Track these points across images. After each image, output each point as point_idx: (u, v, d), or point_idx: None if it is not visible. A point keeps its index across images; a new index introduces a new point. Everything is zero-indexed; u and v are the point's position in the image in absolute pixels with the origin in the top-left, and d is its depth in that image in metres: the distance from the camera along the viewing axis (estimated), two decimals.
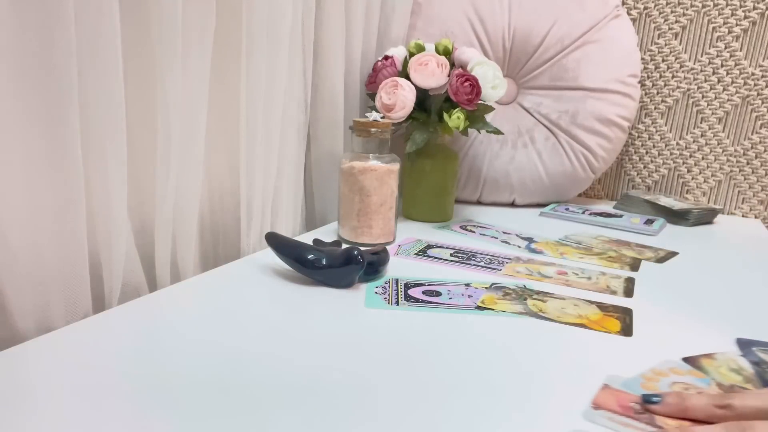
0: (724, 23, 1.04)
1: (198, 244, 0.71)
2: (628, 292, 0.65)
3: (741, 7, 1.02)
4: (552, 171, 1.07)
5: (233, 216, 0.75)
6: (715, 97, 1.07)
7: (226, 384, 0.42)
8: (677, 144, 1.12)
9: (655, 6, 1.08)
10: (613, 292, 0.64)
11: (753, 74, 1.04)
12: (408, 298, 0.61)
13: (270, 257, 0.67)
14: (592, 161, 1.07)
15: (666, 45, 1.09)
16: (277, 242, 0.66)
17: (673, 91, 1.10)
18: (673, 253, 0.83)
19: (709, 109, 1.08)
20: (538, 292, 0.63)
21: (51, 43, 0.46)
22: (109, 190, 0.54)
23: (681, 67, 1.09)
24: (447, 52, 0.91)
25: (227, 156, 0.73)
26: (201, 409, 0.39)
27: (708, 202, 1.13)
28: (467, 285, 0.66)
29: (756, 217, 1.13)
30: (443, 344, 0.51)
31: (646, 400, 0.42)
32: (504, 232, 0.88)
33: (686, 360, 0.49)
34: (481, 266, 0.72)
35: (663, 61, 1.10)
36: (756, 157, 1.07)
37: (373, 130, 0.77)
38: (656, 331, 0.55)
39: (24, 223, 0.48)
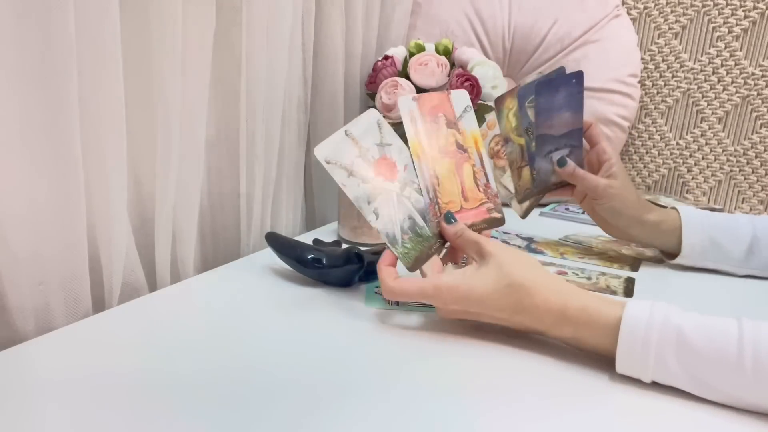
0: (724, 23, 1.04)
1: (198, 244, 0.71)
2: (628, 292, 0.65)
3: (741, 7, 1.02)
4: None
5: (233, 216, 0.75)
6: (715, 97, 1.07)
7: (225, 383, 0.42)
8: (677, 144, 1.12)
9: (655, 6, 1.08)
10: (613, 292, 0.64)
11: (753, 74, 1.03)
12: None
13: (270, 257, 0.67)
14: None
15: (666, 45, 1.09)
16: (277, 242, 0.66)
17: (673, 91, 1.10)
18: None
19: (709, 109, 1.08)
20: None
21: (51, 43, 0.46)
22: (109, 190, 0.54)
23: (681, 67, 1.09)
24: (447, 52, 0.91)
25: (227, 156, 0.73)
26: (200, 408, 0.39)
27: (708, 202, 1.13)
28: None
29: None
30: (443, 344, 0.51)
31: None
32: (504, 232, 0.88)
33: None
34: None
35: (663, 60, 1.10)
36: (756, 157, 1.07)
37: None
38: None
39: (24, 223, 0.48)
